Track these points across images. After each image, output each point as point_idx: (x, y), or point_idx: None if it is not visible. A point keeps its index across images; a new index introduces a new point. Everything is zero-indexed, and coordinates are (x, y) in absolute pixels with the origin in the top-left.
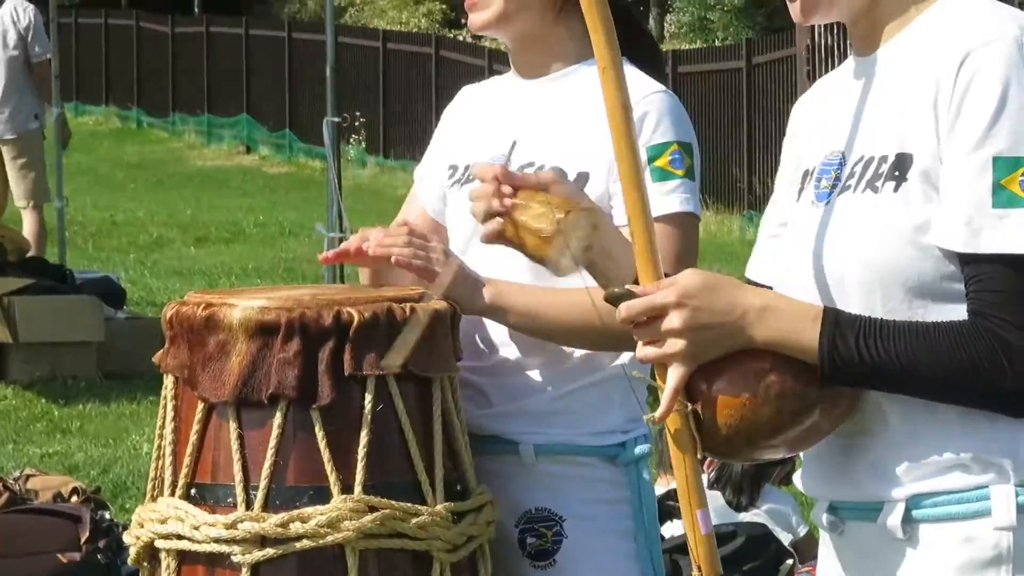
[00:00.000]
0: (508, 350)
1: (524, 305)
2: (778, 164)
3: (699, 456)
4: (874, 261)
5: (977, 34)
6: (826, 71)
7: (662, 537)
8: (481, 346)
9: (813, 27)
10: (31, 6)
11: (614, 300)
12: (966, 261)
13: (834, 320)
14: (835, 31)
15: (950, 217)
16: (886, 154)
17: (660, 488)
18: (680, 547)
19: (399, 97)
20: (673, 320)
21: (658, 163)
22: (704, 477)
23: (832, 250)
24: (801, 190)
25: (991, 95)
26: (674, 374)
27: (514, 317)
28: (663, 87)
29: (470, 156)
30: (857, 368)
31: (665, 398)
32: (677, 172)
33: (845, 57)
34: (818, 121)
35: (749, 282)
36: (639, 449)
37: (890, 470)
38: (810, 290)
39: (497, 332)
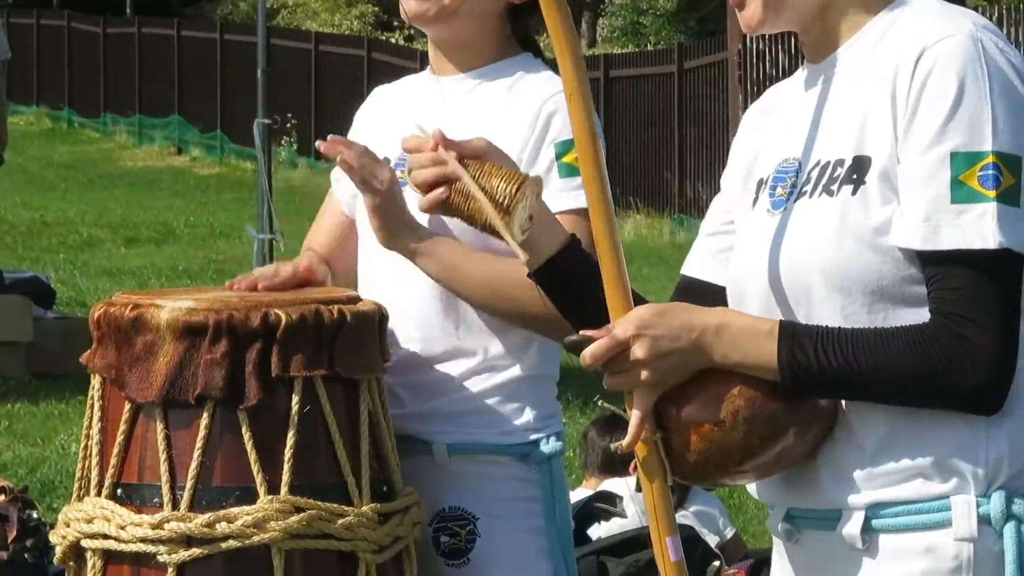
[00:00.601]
0: (419, 349)
1: (452, 256)
2: (709, 169)
3: (669, 483)
4: (832, 266)
5: (933, 31)
6: (757, 76)
7: (588, 538)
8: (392, 345)
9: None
10: None
11: (574, 348)
12: (926, 260)
13: (791, 332)
14: (766, 36)
15: (909, 215)
16: (843, 157)
17: (586, 491)
18: (607, 548)
19: (331, 99)
20: (637, 351)
21: (566, 159)
22: (632, 479)
23: (789, 257)
24: (755, 200)
25: (948, 89)
26: (641, 402)
27: (439, 266)
28: None
29: (381, 154)
30: (818, 377)
31: (632, 426)
32: None
33: (776, 62)
34: (771, 129)
35: (684, 280)
36: (551, 447)
37: (850, 477)
38: (766, 300)
39: (408, 331)
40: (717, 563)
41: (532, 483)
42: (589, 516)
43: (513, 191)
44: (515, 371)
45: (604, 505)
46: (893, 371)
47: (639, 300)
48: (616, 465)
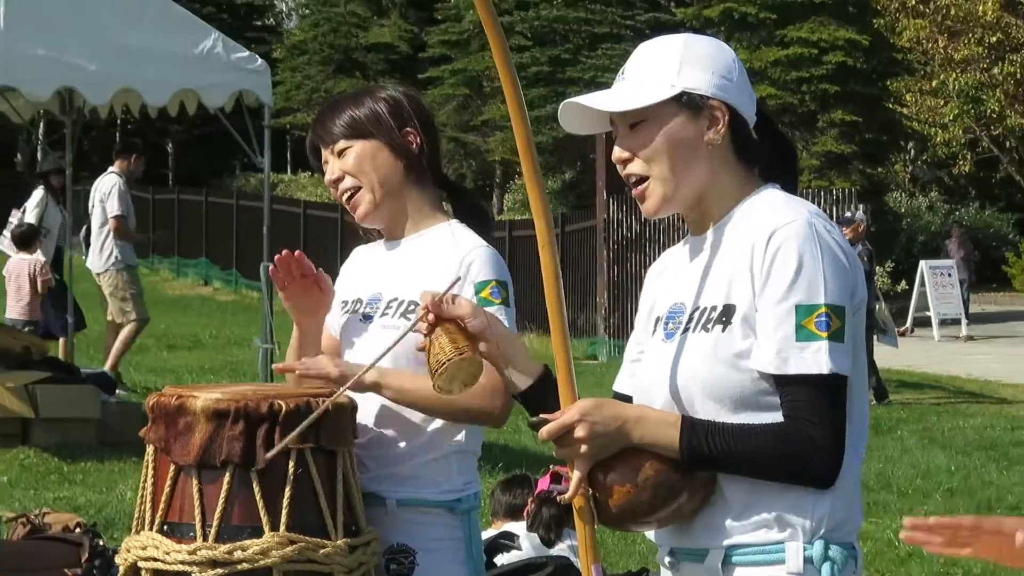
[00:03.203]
0: (379, 432)
1: (396, 386)
2: (582, 300)
3: (596, 526)
4: (708, 382)
5: (780, 217)
6: (617, 237)
7: (494, 564)
8: (363, 430)
9: (609, 205)
10: (115, 177)
11: (535, 427)
12: (780, 382)
13: (690, 424)
14: (624, 209)
15: (765, 348)
16: (716, 304)
17: (493, 531)
18: (508, 573)
19: (314, 248)
20: (579, 432)
21: (483, 294)
22: (524, 523)
23: (679, 374)
24: (654, 331)
25: (792, 260)
26: (579, 468)
27: (390, 393)
28: (485, 242)
29: (355, 294)
30: (707, 457)
31: (572, 485)
32: (496, 300)
33: (631, 227)
34: (665, 281)
35: (614, 394)
36: (471, 503)
37: (715, 526)
38: (666, 403)
39: (371, 419)
40: None
41: (456, 527)
42: (495, 549)
43: (446, 356)
44: (447, 448)
45: (506, 541)
46: (760, 458)
47: None
48: (515, 512)
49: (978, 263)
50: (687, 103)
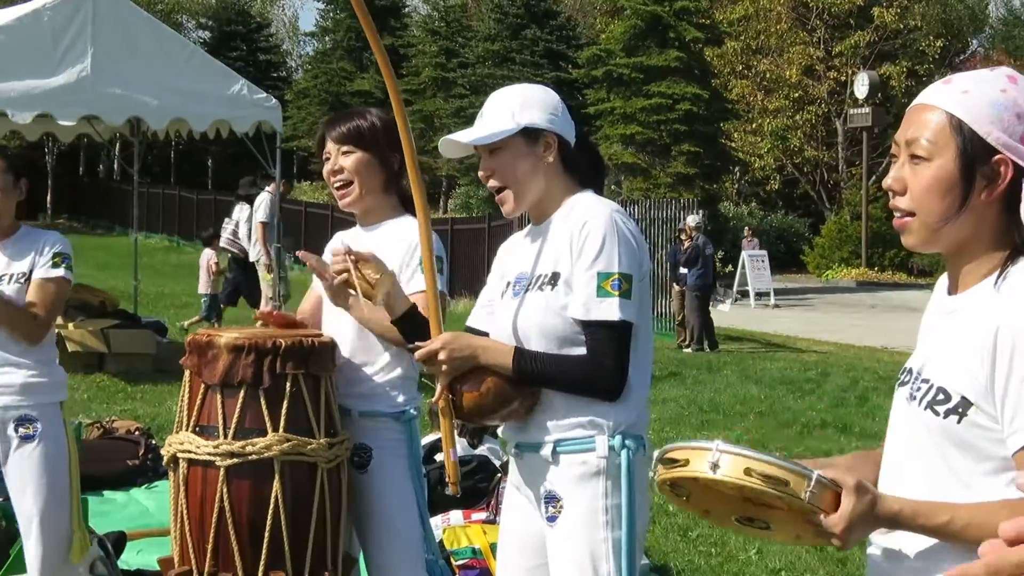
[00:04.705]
0: (347, 362)
1: (374, 324)
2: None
3: (455, 423)
4: (541, 326)
5: (591, 211)
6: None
7: (434, 460)
8: (336, 359)
9: None
10: (266, 194)
11: (411, 351)
12: (584, 325)
13: (519, 353)
14: None
15: (576, 302)
16: (547, 272)
17: (433, 436)
18: (442, 467)
19: (311, 235)
20: (441, 355)
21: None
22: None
23: (521, 321)
24: (504, 291)
25: (596, 240)
26: (442, 380)
27: (371, 326)
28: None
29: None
30: (531, 375)
31: (437, 392)
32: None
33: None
34: (516, 255)
35: (467, 327)
36: (412, 414)
37: (546, 426)
38: (512, 340)
39: (343, 352)
40: (499, 475)
41: (401, 432)
42: (435, 449)
43: (375, 276)
44: (396, 372)
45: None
46: (567, 377)
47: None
48: None
49: (783, 254)
50: (528, 134)
